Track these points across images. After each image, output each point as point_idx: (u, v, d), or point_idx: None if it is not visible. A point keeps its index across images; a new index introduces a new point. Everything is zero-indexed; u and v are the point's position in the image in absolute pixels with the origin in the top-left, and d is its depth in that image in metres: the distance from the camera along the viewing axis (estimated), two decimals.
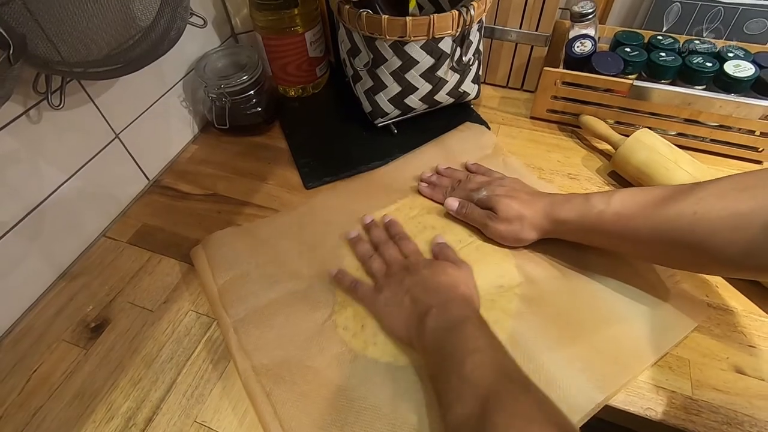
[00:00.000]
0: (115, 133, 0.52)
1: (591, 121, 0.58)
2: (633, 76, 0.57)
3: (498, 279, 0.44)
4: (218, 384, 0.41)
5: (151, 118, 0.57)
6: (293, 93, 0.69)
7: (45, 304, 0.47)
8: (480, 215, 0.47)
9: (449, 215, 0.50)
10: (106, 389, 0.41)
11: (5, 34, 0.27)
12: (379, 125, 0.61)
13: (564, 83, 0.58)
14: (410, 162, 0.58)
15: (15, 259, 0.45)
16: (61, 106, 0.41)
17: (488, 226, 0.46)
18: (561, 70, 0.57)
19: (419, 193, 0.53)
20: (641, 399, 0.38)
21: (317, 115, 0.68)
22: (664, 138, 0.53)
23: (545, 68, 0.58)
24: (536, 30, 0.62)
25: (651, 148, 0.51)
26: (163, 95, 0.58)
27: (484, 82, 0.71)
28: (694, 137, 0.57)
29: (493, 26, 0.64)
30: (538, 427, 0.28)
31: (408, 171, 0.57)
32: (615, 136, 0.56)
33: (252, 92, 0.60)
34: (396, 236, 0.48)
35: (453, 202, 0.49)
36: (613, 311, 0.42)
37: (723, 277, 0.45)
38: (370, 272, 0.45)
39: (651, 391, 0.38)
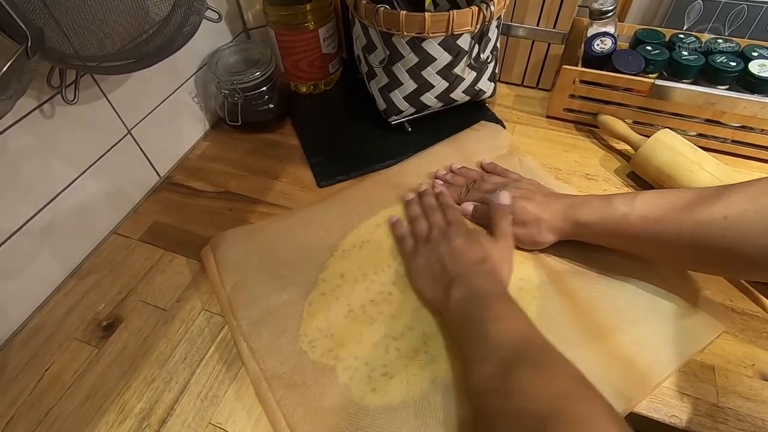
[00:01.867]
0: (127, 128, 0.51)
1: (610, 120, 0.57)
2: (654, 75, 0.55)
3: (516, 282, 0.43)
4: (232, 386, 0.40)
5: (162, 114, 0.56)
6: (305, 90, 0.68)
7: (56, 303, 0.46)
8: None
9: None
10: (119, 389, 0.40)
11: (23, 26, 0.26)
12: (393, 123, 0.60)
13: (582, 82, 0.57)
14: (424, 160, 0.57)
15: (26, 256, 0.44)
16: (75, 100, 0.40)
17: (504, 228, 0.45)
18: (580, 68, 0.56)
19: (434, 190, 0.53)
20: (665, 406, 0.37)
21: (329, 113, 0.67)
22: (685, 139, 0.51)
23: (564, 66, 0.57)
24: (554, 27, 0.61)
25: (673, 149, 0.50)
26: (174, 91, 0.57)
27: (499, 80, 0.70)
28: (715, 138, 0.56)
29: (509, 23, 0.63)
30: (561, 379, 0.29)
31: (422, 169, 0.56)
32: (634, 136, 0.55)
33: (264, 88, 0.60)
34: (444, 205, 0.49)
35: (468, 206, 0.48)
36: (635, 315, 0.41)
37: (748, 281, 0.44)
38: (414, 233, 0.47)
39: (675, 398, 0.37)
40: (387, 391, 0.38)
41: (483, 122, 0.62)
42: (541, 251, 0.46)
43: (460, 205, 0.49)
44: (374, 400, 0.37)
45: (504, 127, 0.62)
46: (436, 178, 0.54)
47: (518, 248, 0.46)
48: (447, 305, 0.39)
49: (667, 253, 0.39)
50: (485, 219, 0.46)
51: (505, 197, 0.45)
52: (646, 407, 0.37)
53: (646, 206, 0.39)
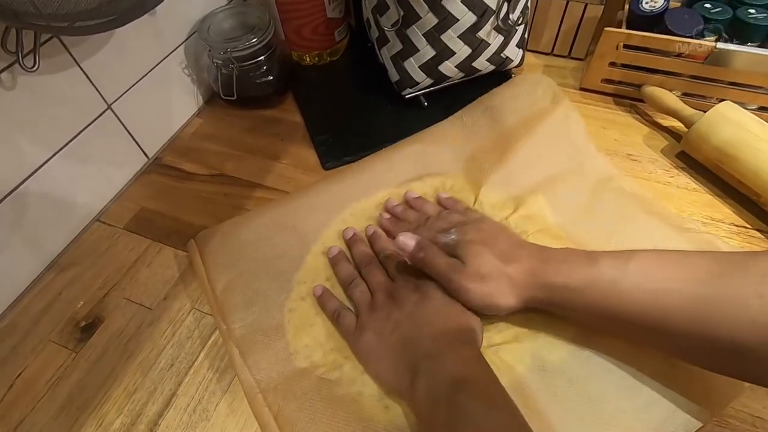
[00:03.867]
0: (106, 103, 0.45)
1: (657, 92, 0.49)
2: (713, 38, 0.47)
3: None
4: (225, 398, 0.35)
5: (148, 88, 0.50)
6: (308, 60, 0.61)
7: (30, 300, 0.41)
8: (443, 265, 0.33)
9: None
10: (96, 401, 0.35)
11: None
12: (406, 97, 0.53)
13: (626, 47, 0.49)
14: (447, 131, 0.50)
15: None
16: (35, 68, 0.34)
17: (452, 280, 0.33)
18: (626, 30, 0.48)
19: (380, 225, 0.43)
20: None
21: (336, 86, 0.60)
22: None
23: (606, 29, 0.49)
24: None
25: (738, 125, 0.42)
26: (161, 61, 0.51)
27: (526, 49, 0.62)
28: None
29: None
30: None
31: (446, 139, 0.49)
32: (687, 110, 0.47)
33: (262, 58, 0.53)
34: (382, 252, 0.39)
35: (408, 241, 0.35)
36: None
37: None
38: (352, 301, 0.37)
39: (746, 421, 0.31)
40: (400, 411, 0.32)
41: (524, 75, 0.53)
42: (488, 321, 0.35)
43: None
44: (386, 418, 0.32)
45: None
46: (385, 210, 0.44)
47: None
48: (413, 398, 0.30)
49: (670, 344, 0.29)
50: (431, 264, 0.34)
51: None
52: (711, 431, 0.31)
53: (644, 273, 0.29)
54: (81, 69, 0.42)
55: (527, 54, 0.61)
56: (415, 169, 0.47)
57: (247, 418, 0.34)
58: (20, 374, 0.37)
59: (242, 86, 0.53)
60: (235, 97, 0.53)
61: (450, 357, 0.30)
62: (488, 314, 0.34)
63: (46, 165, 0.41)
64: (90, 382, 0.36)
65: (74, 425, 0.34)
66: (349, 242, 0.42)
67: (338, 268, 0.40)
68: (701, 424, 0.30)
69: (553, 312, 0.33)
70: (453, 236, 0.36)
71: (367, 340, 0.34)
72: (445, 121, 0.51)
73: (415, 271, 0.36)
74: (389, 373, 0.32)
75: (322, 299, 0.38)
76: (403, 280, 0.36)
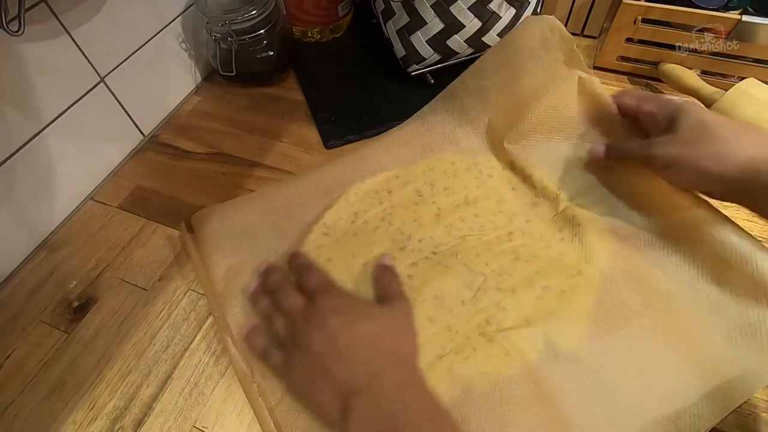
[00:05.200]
0: (99, 75, 0.43)
1: (677, 70, 0.47)
2: (737, 11, 0.45)
3: (577, 263, 0.36)
4: (222, 382, 0.33)
5: (143, 61, 0.47)
6: (310, 36, 0.59)
7: (21, 279, 0.40)
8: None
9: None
10: (89, 383, 0.34)
11: None
12: (412, 74, 0.51)
13: (645, 21, 0.47)
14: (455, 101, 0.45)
15: None
16: (20, 32, 0.32)
17: None
18: (646, 3, 0.46)
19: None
20: (757, 422, 0.30)
21: (339, 64, 0.58)
22: None
23: (624, 1, 0.46)
24: None
25: (763, 103, 0.40)
26: (157, 33, 0.48)
27: None
28: None
29: None
30: None
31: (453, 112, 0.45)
32: (708, 88, 0.45)
33: (262, 31, 0.51)
34: (300, 268, 0.35)
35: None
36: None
37: None
38: (276, 337, 0.32)
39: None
40: None
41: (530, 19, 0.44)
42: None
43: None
44: None
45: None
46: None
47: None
48: None
49: None
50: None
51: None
52: (732, 423, 0.30)
53: None
54: (71, 37, 0.40)
55: None
56: (422, 146, 0.45)
57: (245, 404, 0.32)
58: (9, 355, 0.36)
59: (242, 62, 0.51)
60: (235, 73, 0.51)
61: (385, 387, 0.27)
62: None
63: (35, 139, 0.39)
64: (82, 364, 0.35)
65: (65, 408, 0.33)
66: (264, 274, 0.36)
67: (257, 306, 0.34)
68: (720, 417, 0.29)
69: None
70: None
71: (295, 378, 0.30)
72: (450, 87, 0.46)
73: (335, 290, 0.32)
74: (321, 411, 0.28)
75: (249, 337, 0.33)
76: (322, 295, 0.31)
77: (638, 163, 0.35)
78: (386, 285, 0.34)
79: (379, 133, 0.48)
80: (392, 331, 0.30)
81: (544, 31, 0.42)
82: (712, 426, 0.28)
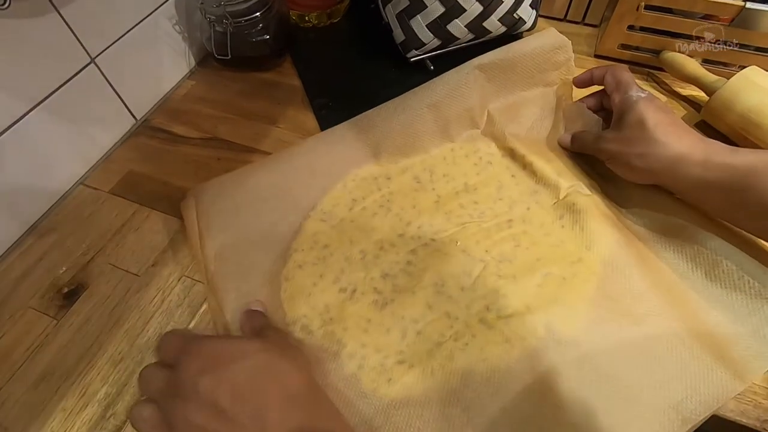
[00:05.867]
0: (90, 56, 0.42)
1: (679, 58, 0.47)
2: None
3: (577, 250, 0.35)
4: None
5: (136, 43, 0.46)
6: (307, 20, 0.58)
7: (8, 265, 0.39)
8: None
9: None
10: (80, 369, 0.33)
11: None
12: (412, 60, 0.50)
13: (648, 8, 0.46)
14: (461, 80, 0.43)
15: None
16: (6, 5, 0.31)
17: None
18: None
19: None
20: (757, 408, 0.30)
21: (336, 49, 0.57)
22: None
23: None
24: None
25: (766, 90, 0.40)
26: (150, 14, 0.47)
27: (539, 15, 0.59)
28: None
29: None
30: None
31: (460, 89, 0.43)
32: (709, 76, 0.45)
33: (258, 14, 0.49)
34: (159, 345, 0.27)
35: None
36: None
37: None
38: (150, 395, 0.25)
39: None
40: (405, 383, 0.30)
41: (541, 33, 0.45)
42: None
43: None
44: (390, 393, 0.30)
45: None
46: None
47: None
48: None
49: None
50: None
51: None
52: (733, 409, 0.29)
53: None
54: (60, 16, 0.38)
55: (539, 20, 0.58)
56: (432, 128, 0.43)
57: None
58: None
59: (237, 45, 0.50)
60: (230, 56, 0.50)
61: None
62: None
63: (23, 120, 0.38)
64: (72, 351, 0.34)
65: (55, 395, 0.32)
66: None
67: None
68: (721, 403, 0.29)
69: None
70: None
71: None
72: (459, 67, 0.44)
73: (196, 344, 0.25)
74: None
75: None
76: (184, 364, 0.24)
77: (591, 153, 0.40)
78: (253, 323, 0.31)
79: None
80: (276, 362, 0.25)
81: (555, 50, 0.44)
82: (713, 411, 0.28)
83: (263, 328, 0.30)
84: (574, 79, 0.44)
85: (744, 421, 0.29)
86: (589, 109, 0.43)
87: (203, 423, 0.22)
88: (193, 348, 0.25)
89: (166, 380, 0.24)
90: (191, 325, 0.35)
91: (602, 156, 0.38)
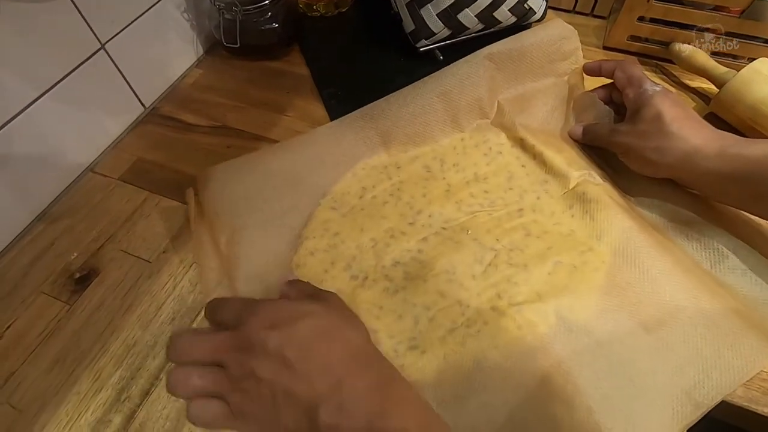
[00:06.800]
0: (100, 42, 0.42)
1: (688, 50, 0.47)
2: None
3: (587, 240, 0.36)
4: None
5: (145, 30, 0.46)
6: (315, 10, 0.58)
7: (19, 250, 0.39)
8: None
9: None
10: (93, 354, 0.33)
11: None
12: (421, 50, 0.50)
13: (658, 0, 0.46)
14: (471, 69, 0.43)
15: None
16: None
17: None
18: None
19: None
20: (765, 395, 0.30)
21: (345, 39, 0.57)
22: None
23: None
24: None
25: None
26: (159, 0, 0.47)
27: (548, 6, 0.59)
28: None
29: None
30: None
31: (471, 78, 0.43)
32: (719, 68, 0.45)
33: (267, 2, 0.49)
34: (213, 309, 0.27)
35: None
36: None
37: None
38: (209, 385, 0.24)
39: None
40: (418, 367, 0.31)
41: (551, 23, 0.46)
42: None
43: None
44: None
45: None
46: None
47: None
48: None
49: None
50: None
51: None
52: (741, 396, 0.30)
53: None
54: (72, 1, 0.38)
55: (548, 12, 0.58)
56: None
57: None
58: (10, 326, 0.35)
59: (246, 33, 0.50)
60: (238, 44, 0.50)
61: (349, 397, 0.22)
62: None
63: (33, 106, 0.38)
64: (86, 335, 0.34)
65: (69, 378, 0.32)
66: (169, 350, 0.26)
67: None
68: (733, 388, 0.29)
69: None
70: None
71: (251, 423, 0.23)
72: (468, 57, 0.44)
73: (259, 304, 0.25)
74: None
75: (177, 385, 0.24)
76: (249, 321, 0.24)
77: (604, 146, 0.40)
78: (303, 289, 0.29)
79: None
80: (337, 323, 0.25)
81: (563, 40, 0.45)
82: (725, 396, 0.29)
83: (316, 291, 0.29)
84: (584, 65, 0.44)
85: (753, 407, 0.30)
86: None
87: (272, 377, 0.22)
88: (258, 308, 0.25)
89: (228, 339, 0.24)
90: (203, 312, 0.35)
91: (616, 149, 0.38)
